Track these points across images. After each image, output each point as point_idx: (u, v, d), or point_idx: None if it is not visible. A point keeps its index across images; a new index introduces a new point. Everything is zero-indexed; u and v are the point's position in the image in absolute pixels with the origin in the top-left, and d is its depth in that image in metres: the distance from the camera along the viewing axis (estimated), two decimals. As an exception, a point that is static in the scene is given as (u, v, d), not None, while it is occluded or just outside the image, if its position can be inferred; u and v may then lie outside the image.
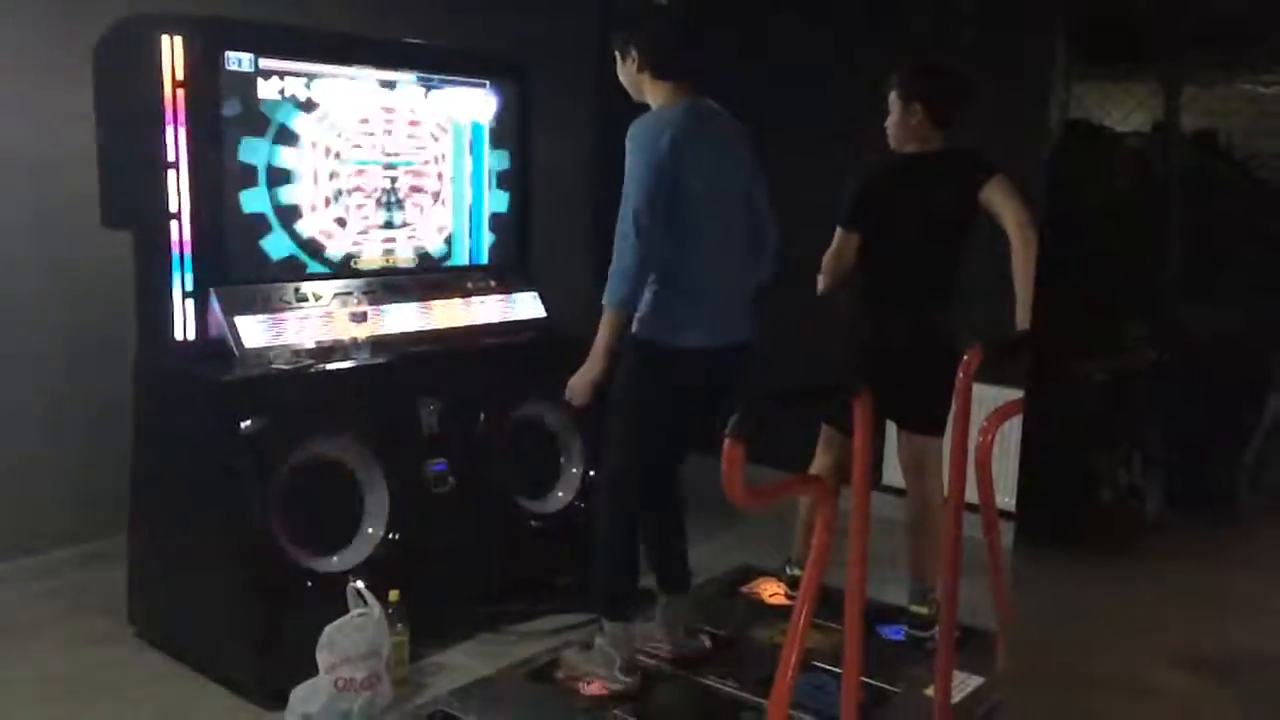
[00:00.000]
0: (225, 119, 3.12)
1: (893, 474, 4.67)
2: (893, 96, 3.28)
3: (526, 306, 3.92)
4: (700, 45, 3.30)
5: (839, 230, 3.32)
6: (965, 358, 2.79)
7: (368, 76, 3.48)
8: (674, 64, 2.99)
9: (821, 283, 3.37)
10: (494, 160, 3.88)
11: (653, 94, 3.02)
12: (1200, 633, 1.58)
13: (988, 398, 2.96)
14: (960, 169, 3.25)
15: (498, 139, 3.87)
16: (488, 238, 3.90)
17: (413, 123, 3.62)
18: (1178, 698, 1.62)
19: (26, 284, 3.76)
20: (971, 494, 2.81)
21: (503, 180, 3.91)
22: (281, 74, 3.23)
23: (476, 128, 3.82)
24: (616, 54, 3.04)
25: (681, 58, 3.02)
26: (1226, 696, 1.59)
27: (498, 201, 3.91)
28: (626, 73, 3.05)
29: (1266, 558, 1.55)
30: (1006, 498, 2.98)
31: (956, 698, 2.99)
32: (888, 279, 3.32)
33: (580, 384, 3.02)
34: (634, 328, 2.98)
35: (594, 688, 3.11)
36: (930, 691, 2.98)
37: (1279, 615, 1.51)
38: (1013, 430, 2.87)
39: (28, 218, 3.73)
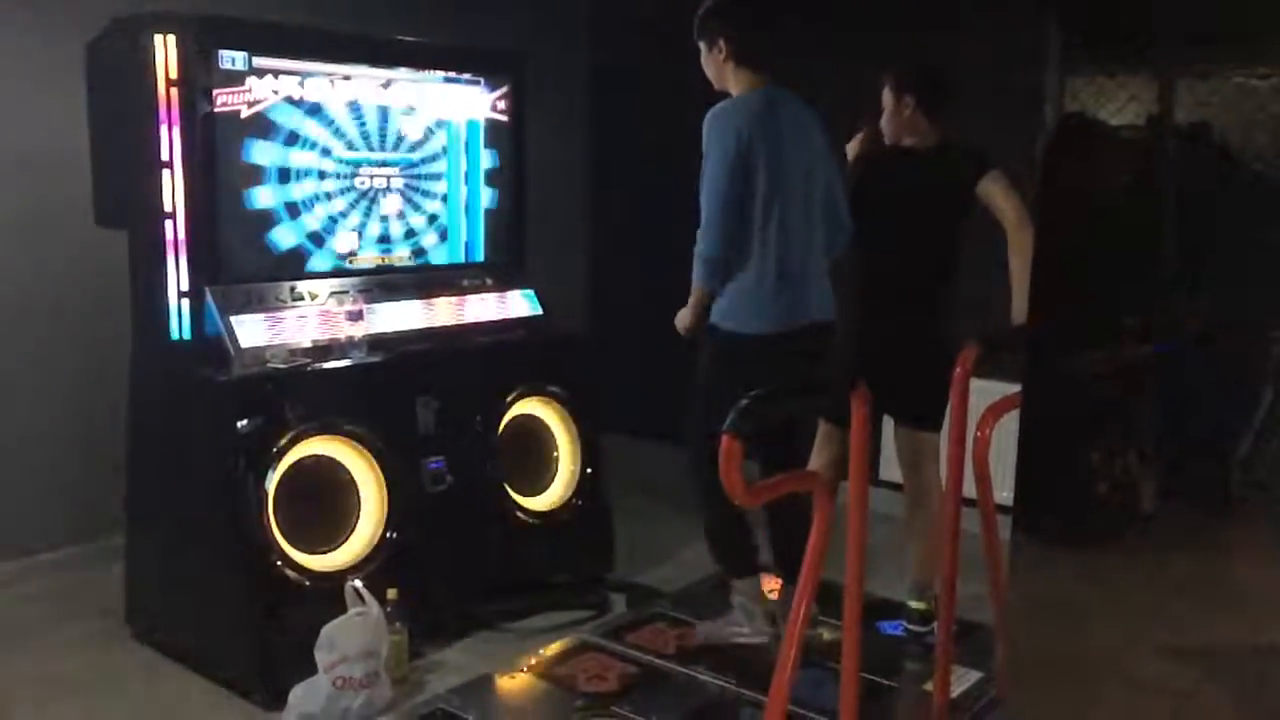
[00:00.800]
0: (218, 117, 3.11)
1: (890, 469, 4.67)
2: (885, 92, 3.31)
3: (522, 304, 3.91)
4: (776, 34, 3.47)
5: None
6: (963, 352, 2.80)
7: (362, 74, 3.47)
8: (756, 53, 3.17)
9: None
10: (489, 158, 3.87)
11: (735, 82, 3.19)
12: (1195, 624, 1.58)
13: (985, 392, 2.95)
14: (957, 163, 3.26)
15: (493, 136, 3.86)
16: (484, 235, 3.89)
17: (407, 120, 3.61)
18: (1172, 689, 1.63)
19: (18, 283, 3.75)
20: (969, 489, 2.81)
21: (498, 178, 3.90)
22: (276, 72, 3.22)
23: (472, 125, 3.81)
24: (702, 44, 3.22)
25: (763, 46, 3.19)
26: (1220, 686, 1.60)
27: (493, 199, 3.90)
28: (713, 62, 3.22)
29: (1260, 550, 1.55)
30: (1004, 493, 2.99)
31: (955, 692, 2.99)
32: (885, 273, 3.32)
33: (679, 320, 3.23)
34: (711, 315, 3.17)
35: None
36: (929, 686, 2.99)
37: (1272, 606, 1.52)
38: (1010, 425, 2.88)
39: (26, 217, 3.73)
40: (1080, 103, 1.43)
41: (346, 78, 3.42)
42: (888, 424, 3.75)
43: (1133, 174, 1.51)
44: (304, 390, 3.16)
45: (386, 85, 3.54)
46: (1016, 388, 2.87)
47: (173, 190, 3.08)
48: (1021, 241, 3.13)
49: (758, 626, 3.30)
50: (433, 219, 3.75)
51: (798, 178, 3.14)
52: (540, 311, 3.95)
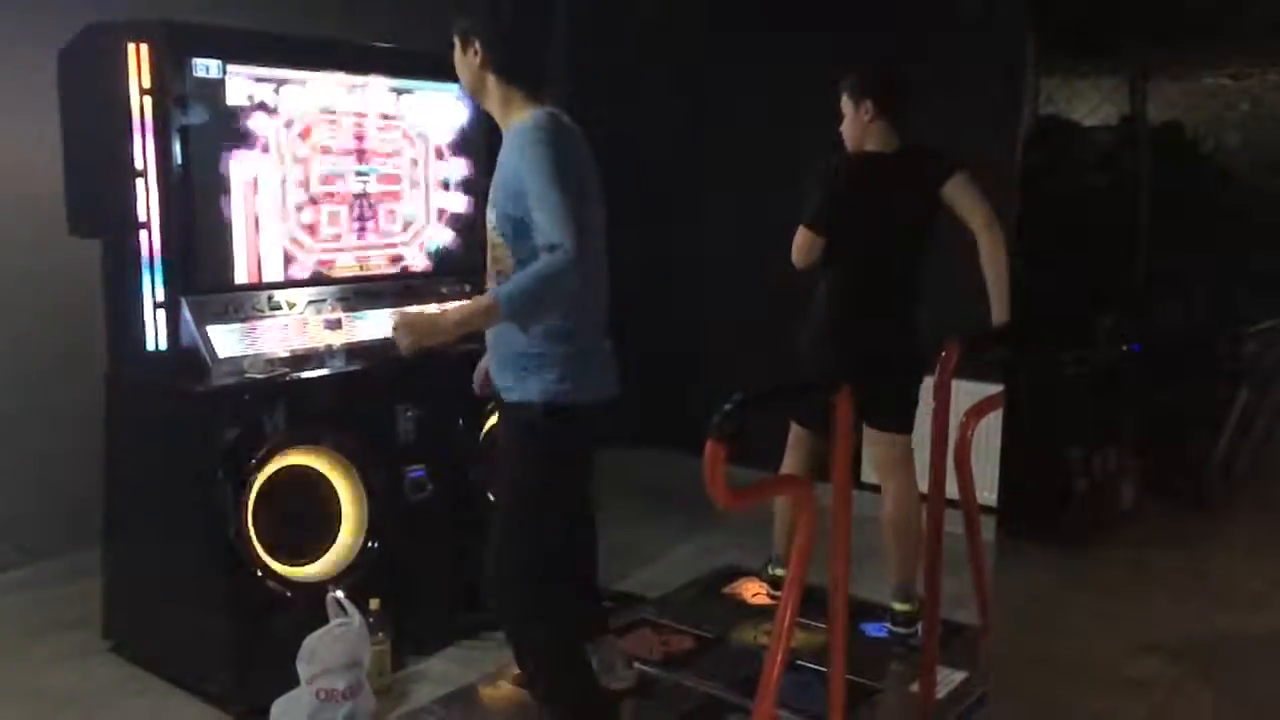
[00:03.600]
0: (193, 126, 3.09)
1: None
2: (844, 99, 3.29)
3: (503, 310, 3.89)
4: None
5: (804, 231, 3.25)
6: (944, 353, 2.80)
7: (337, 81, 3.45)
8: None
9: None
10: (465, 165, 3.85)
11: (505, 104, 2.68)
12: (1176, 619, 1.59)
13: (965, 393, 2.96)
14: (922, 167, 3.25)
15: (470, 143, 3.84)
16: (461, 243, 3.87)
17: (384, 128, 3.59)
18: (1155, 683, 1.63)
19: (-5, 297, 3.72)
20: (951, 490, 2.82)
21: (475, 185, 3.89)
22: (250, 79, 3.20)
23: (449, 132, 3.79)
24: (456, 40, 2.63)
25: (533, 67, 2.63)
26: (1201, 679, 1.60)
27: (470, 206, 3.88)
28: (467, 66, 2.63)
29: (1239, 545, 1.56)
30: (986, 492, 3.00)
31: (941, 693, 2.99)
32: (855, 279, 3.31)
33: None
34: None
35: None
36: (915, 687, 2.99)
37: (1252, 600, 1.53)
38: (991, 425, 2.90)
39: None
40: (1055, 104, 1.44)
41: (322, 84, 3.40)
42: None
43: (1107, 174, 1.51)
44: (282, 400, 3.13)
45: (361, 92, 3.52)
46: (996, 388, 2.89)
47: (147, 200, 3.06)
48: (991, 243, 3.12)
49: (621, 675, 3.07)
50: (409, 226, 3.73)
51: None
52: (520, 317, 3.92)
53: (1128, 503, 2.63)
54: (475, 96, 2.67)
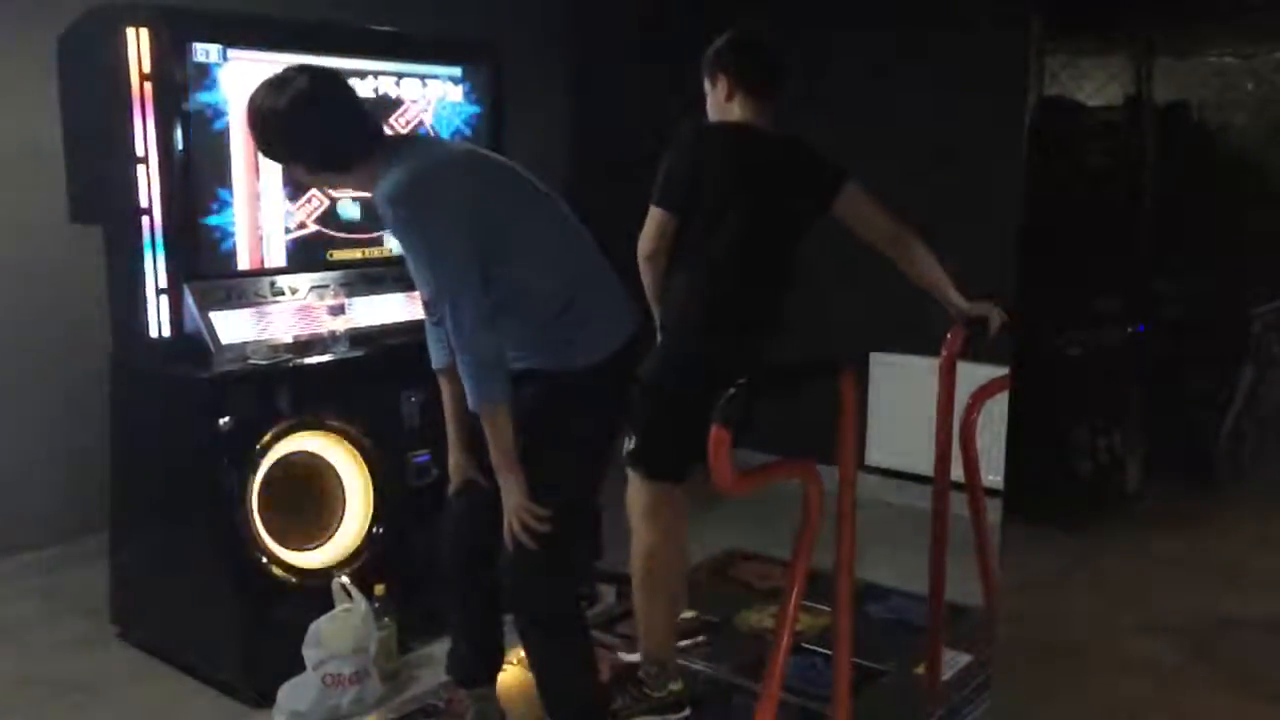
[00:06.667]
0: (194, 111, 3.07)
1: (878, 454, 4.68)
2: (705, 80, 2.83)
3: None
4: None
5: (658, 211, 2.69)
6: (949, 335, 2.79)
7: (337, 65, 3.43)
8: None
9: (648, 277, 2.76)
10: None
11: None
12: (1183, 601, 1.59)
13: (971, 376, 2.95)
14: (811, 164, 2.80)
15: (472, 128, 3.83)
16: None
17: (386, 111, 3.58)
18: (1160, 665, 1.63)
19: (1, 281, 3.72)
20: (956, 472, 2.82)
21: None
22: (250, 64, 3.18)
23: (450, 115, 3.78)
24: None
25: None
26: (1207, 661, 1.60)
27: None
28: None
29: (1244, 526, 1.56)
30: (991, 475, 3.00)
31: (946, 675, 3.00)
32: (731, 272, 2.74)
33: None
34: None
35: None
36: (921, 670, 2.99)
37: (1256, 581, 1.52)
38: (997, 408, 2.88)
39: (3, 212, 3.70)
40: (1059, 84, 1.42)
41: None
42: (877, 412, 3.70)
43: (1112, 155, 1.50)
44: (287, 386, 3.13)
45: (362, 76, 3.50)
46: (1002, 370, 2.88)
47: (148, 185, 3.05)
48: (906, 247, 2.77)
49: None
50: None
51: None
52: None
53: (1134, 484, 2.63)
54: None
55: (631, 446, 2.81)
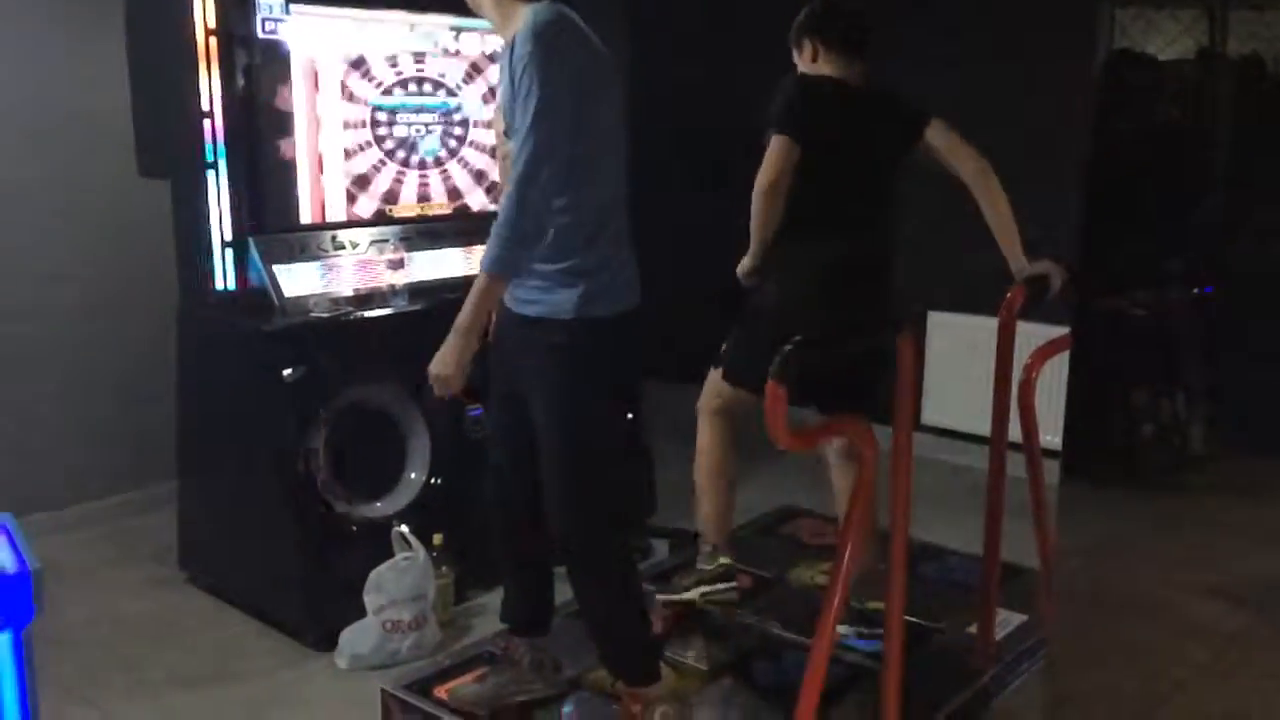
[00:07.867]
0: (258, 66, 3.11)
1: (933, 414, 4.65)
2: (793, 50, 2.91)
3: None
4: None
5: (781, 139, 2.68)
6: (1009, 295, 2.75)
7: (398, 19, 3.44)
8: None
9: (764, 208, 2.75)
10: (527, 103, 3.83)
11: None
12: (1243, 564, 1.57)
13: (1029, 336, 2.91)
14: (898, 108, 2.87)
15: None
16: (523, 181, 3.87)
17: (443, 65, 3.59)
18: (1218, 628, 1.61)
19: (68, 234, 3.81)
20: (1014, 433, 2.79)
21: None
22: (313, 18, 3.21)
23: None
24: None
25: None
26: (1267, 625, 1.58)
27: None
28: None
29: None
30: (1049, 435, 2.97)
31: (999, 635, 2.99)
32: (829, 217, 2.81)
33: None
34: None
35: None
36: (974, 629, 2.99)
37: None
38: (1056, 368, 2.84)
39: (74, 169, 3.78)
40: (1130, 38, 1.39)
41: (382, 23, 3.40)
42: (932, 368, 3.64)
43: (1183, 110, 1.47)
44: (347, 339, 3.18)
45: (422, 30, 3.51)
46: (1062, 330, 2.84)
47: (214, 140, 3.09)
48: (987, 188, 2.75)
49: (548, 679, 2.76)
50: (470, 165, 3.73)
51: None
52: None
53: (1196, 447, 2.57)
54: (474, 7, 2.49)
55: (724, 349, 2.96)
